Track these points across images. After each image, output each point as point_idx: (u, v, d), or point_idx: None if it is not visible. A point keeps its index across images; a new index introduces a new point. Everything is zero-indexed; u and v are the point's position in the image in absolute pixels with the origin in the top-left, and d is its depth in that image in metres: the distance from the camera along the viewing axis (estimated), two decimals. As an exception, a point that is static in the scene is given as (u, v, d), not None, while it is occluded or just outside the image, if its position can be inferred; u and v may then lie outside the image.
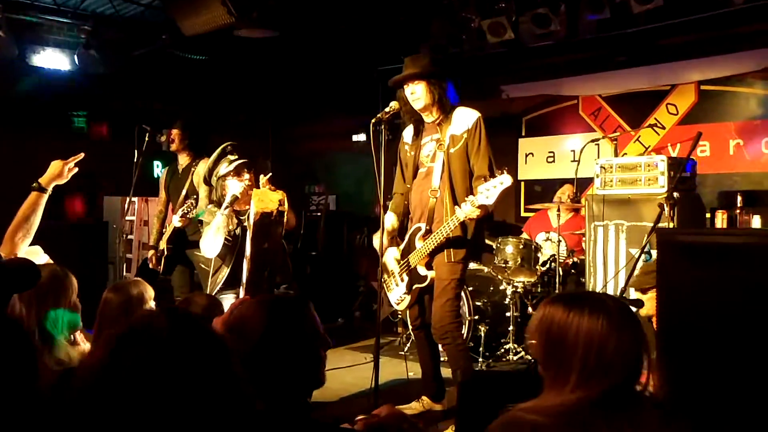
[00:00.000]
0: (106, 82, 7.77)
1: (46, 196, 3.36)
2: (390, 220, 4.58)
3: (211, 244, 4.24)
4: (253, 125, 9.43)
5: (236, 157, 4.39)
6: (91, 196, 8.09)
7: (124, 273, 8.09)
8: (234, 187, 4.26)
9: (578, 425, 1.67)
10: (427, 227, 4.31)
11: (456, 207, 4.09)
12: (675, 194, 4.78)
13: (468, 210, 3.95)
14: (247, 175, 4.37)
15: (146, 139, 5.88)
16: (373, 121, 4.15)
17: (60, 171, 3.42)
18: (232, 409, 1.13)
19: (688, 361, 2.65)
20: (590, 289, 5.51)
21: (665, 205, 3.98)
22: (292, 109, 9.49)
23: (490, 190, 3.81)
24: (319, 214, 8.75)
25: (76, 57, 7.32)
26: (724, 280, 2.57)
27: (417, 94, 4.27)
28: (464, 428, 2.95)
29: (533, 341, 1.88)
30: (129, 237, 8.22)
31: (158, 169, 8.58)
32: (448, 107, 4.35)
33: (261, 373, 1.83)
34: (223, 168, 4.36)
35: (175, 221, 5.00)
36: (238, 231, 4.31)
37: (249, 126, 9.28)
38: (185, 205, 5.00)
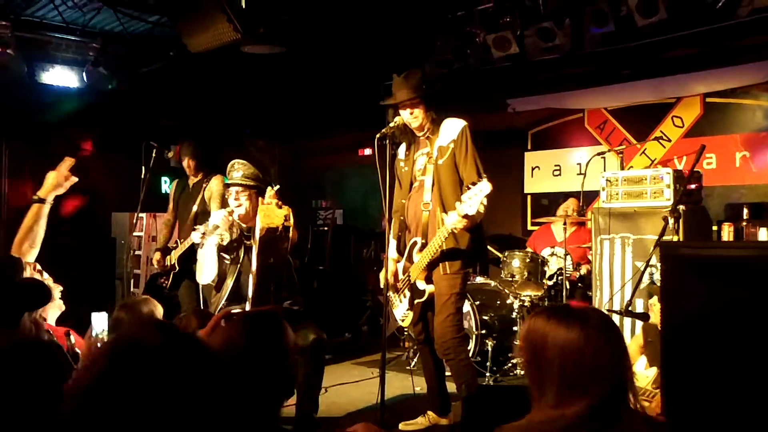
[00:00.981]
0: (115, 99, 7.83)
1: (46, 207, 3.45)
2: (393, 250, 4.60)
3: (203, 272, 4.27)
4: (261, 140, 9.47)
5: (236, 174, 4.44)
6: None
7: (132, 289, 8.12)
8: (215, 217, 4.28)
9: None
10: (423, 241, 4.33)
11: (442, 220, 4.12)
12: (680, 207, 4.79)
13: (454, 221, 3.96)
14: (235, 190, 4.40)
15: (153, 155, 5.92)
16: (377, 136, 4.18)
17: (57, 182, 3.48)
18: (229, 424, 1.13)
19: (691, 373, 2.65)
20: (596, 303, 5.50)
21: (669, 218, 3.98)
22: (299, 124, 9.53)
23: (472, 199, 3.83)
24: (326, 228, 8.76)
25: (84, 74, 7.38)
26: (727, 293, 2.57)
27: (415, 114, 4.34)
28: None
29: (521, 355, 1.90)
30: (137, 252, 8.25)
31: (166, 185, 8.64)
32: (437, 121, 4.40)
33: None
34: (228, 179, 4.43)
35: (196, 237, 5.04)
36: (235, 245, 4.32)
37: (256, 141, 9.33)
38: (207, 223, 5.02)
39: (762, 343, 2.48)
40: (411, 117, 4.33)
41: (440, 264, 4.25)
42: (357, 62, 7.89)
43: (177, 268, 5.66)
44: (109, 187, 8.26)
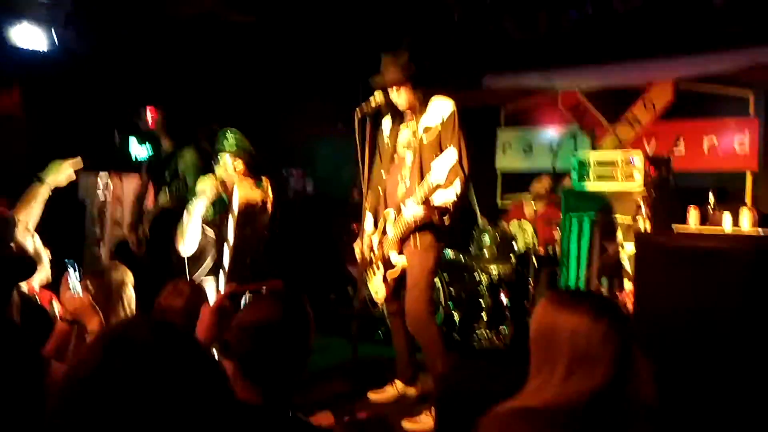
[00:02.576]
0: (86, 61, 7.66)
1: (44, 189, 3.66)
2: (369, 224, 4.62)
3: (185, 242, 4.25)
4: (234, 108, 9.37)
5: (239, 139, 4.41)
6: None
7: (94, 248, 8.05)
8: (204, 183, 4.26)
9: (565, 426, 1.73)
10: (396, 213, 4.35)
11: (402, 206, 4.16)
12: (650, 191, 4.92)
13: (413, 210, 4.04)
14: (239, 160, 4.38)
15: (128, 120, 5.83)
16: (358, 116, 4.19)
17: (60, 172, 3.73)
18: (222, 419, 1.14)
19: (659, 357, 2.75)
20: (563, 280, 5.63)
21: (642, 203, 4.07)
22: (272, 93, 9.44)
23: (436, 165, 3.87)
24: (296, 197, 8.75)
25: (54, 35, 7.19)
26: (697, 282, 2.67)
27: (401, 94, 4.33)
28: (444, 419, 3.03)
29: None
30: (101, 212, 8.16)
31: (135, 147, 8.52)
32: (422, 99, 4.39)
33: (266, 367, 1.93)
34: (225, 146, 4.40)
35: (161, 200, 4.99)
36: (217, 220, 4.31)
37: (229, 108, 9.23)
38: (173, 184, 4.97)
39: (727, 331, 2.58)
40: (398, 97, 4.33)
41: (411, 237, 4.29)
42: (332, 32, 7.83)
43: (148, 236, 5.62)
44: (78, 148, 8.11)
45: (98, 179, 8.14)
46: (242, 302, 2.39)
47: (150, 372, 1.08)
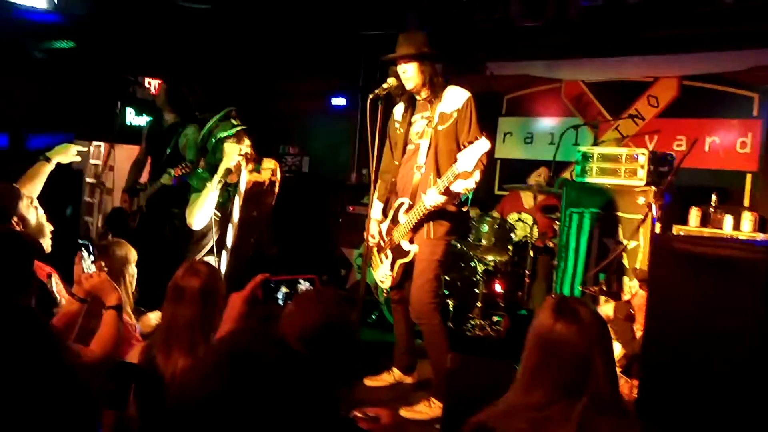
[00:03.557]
0: (85, 23, 7.52)
1: (48, 167, 3.85)
2: (377, 211, 4.58)
3: (199, 217, 4.18)
4: (231, 80, 9.25)
5: (239, 123, 4.31)
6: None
7: (85, 217, 7.98)
8: (229, 159, 4.17)
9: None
10: (411, 202, 4.31)
11: (422, 195, 4.12)
12: (653, 188, 4.92)
13: (433, 198, 3.99)
14: (247, 141, 4.29)
15: (130, 90, 5.77)
16: (370, 97, 4.13)
17: (68, 154, 3.93)
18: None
19: (670, 367, 2.75)
20: (560, 273, 5.62)
21: (653, 204, 4.06)
22: (271, 68, 9.33)
23: (466, 155, 3.81)
24: (291, 175, 8.68)
25: (54, -6, 7.04)
26: (713, 290, 2.66)
27: (408, 73, 4.25)
28: (452, 416, 3.02)
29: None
30: (89, 180, 8.08)
31: (131, 116, 8.41)
32: (439, 87, 4.32)
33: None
34: (225, 131, 4.28)
35: (165, 179, 4.90)
36: (227, 203, 4.25)
37: (226, 81, 9.11)
38: (181, 166, 4.90)
39: (742, 344, 2.57)
40: (406, 76, 4.26)
41: (425, 226, 4.25)
42: (336, 9, 7.73)
43: (144, 211, 5.56)
44: (72, 114, 7.98)
45: (91, 148, 8.05)
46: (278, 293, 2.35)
47: (274, 391, 1.10)
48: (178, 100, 5.71)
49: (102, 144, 7.74)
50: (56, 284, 3.24)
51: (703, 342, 2.69)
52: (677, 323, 2.76)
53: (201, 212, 4.16)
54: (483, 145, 3.77)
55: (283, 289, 2.55)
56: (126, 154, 7.17)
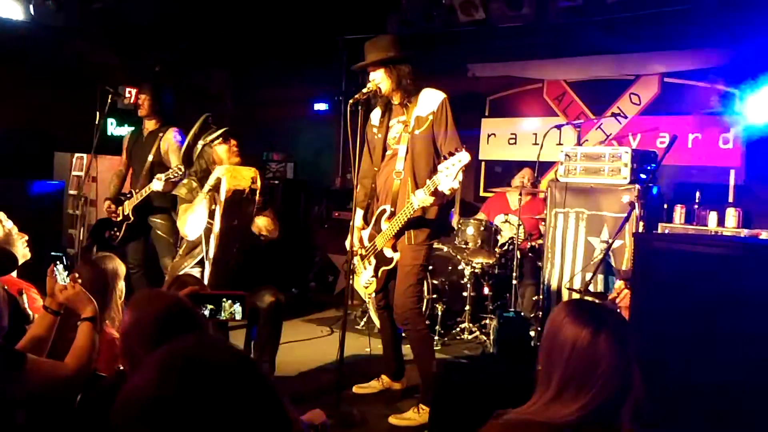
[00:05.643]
0: (62, 35, 7.47)
1: None
2: (359, 219, 4.57)
3: (193, 226, 4.12)
4: (212, 88, 9.22)
5: (216, 127, 4.28)
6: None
7: (69, 230, 7.91)
8: (219, 169, 4.12)
9: None
10: (392, 209, 4.28)
11: (410, 195, 4.10)
12: (636, 186, 4.92)
13: (421, 198, 3.95)
14: (233, 141, 4.26)
15: (108, 100, 5.73)
16: (350, 101, 4.09)
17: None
18: None
19: (655, 366, 2.73)
20: (547, 274, 5.62)
21: (636, 203, 4.05)
22: (253, 74, 9.30)
23: (449, 169, 3.76)
24: (276, 182, 8.64)
25: (31, 7, 7.00)
26: (696, 288, 2.65)
27: (377, 79, 4.23)
28: (440, 419, 2.99)
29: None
30: (71, 192, 8.02)
31: (112, 127, 8.36)
32: (411, 89, 4.28)
33: None
34: (210, 135, 4.25)
35: (156, 186, 4.83)
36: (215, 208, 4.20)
37: (208, 88, 9.08)
38: (170, 171, 4.83)
39: (726, 340, 2.56)
40: (375, 82, 4.23)
41: (406, 233, 4.23)
42: (317, 13, 7.71)
43: (132, 219, 5.52)
44: (51, 126, 7.92)
45: (73, 159, 7.99)
46: None
47: (227, 397, 1.08)
48: (162, 106, 5.68)
49: (84, 155, 7.67)
50: (27, 300, 3.19)
51: (687, 340, 2.68)
52: (660, 321, 2.74)
53: (194, 221, 4.11)
54: (463, 158, 3.74)
55: (209, 307, 2.55)
56: (108, 165, 7.13)
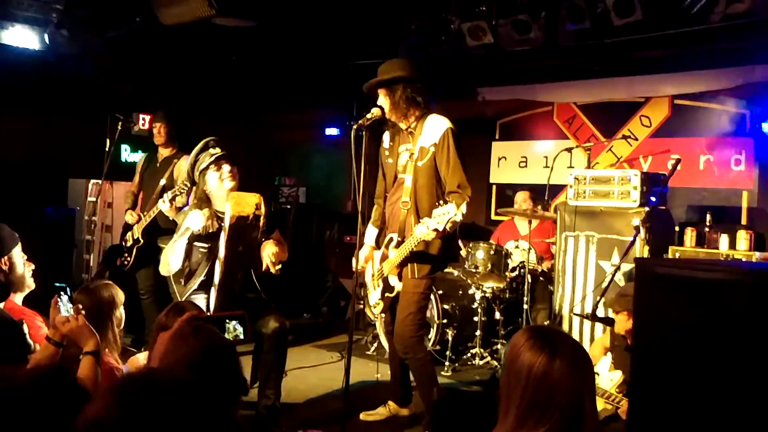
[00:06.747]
0: (77, 63, 7.58)
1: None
2: (370, 236, 4.58)
3: (168, 263, 4.14)
4: (225, 113, 9.30)
5: (218, 150, 4.27)
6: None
7: (84, 255, 7.96)
8: (195, 221, 4.11)
9: None
10: (399, 239, 4.28)
11: (414, 226, 4.08)
12: (645, 209, 4.87)
13: (423, 232, 3.93)
14: (227, 167, 4.25)
15: (119, 127, 5.81)
16: (354, 126, 4.09)
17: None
18: None
19: (659, 393, 2.69)
20: (558, 299, 5.57)
21: (641, 227, 4.01)
22: (265, 99, 9.38)
23: (440, 216, 3.77)
24: (288, 206, 8.67)
25: (46, 36, 7.11)
26: (700, 315, 2.60)
27: (379, 101, 4.25)
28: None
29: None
30: (92, 218, 8.08)
31: (126, 153, 8.45)
32: (412, 113, 4.27)
33: None
34: (204, 163, 4.25)
35: (163, 206, 4.89)
36: (212, 235, 4.19)
37: (221, 114, 9.15)
38: (176, 188, 4.84)
39: (730, 368, 2.51)
40: (381, 103, 4.24)
41: (409, 266, 4.23)
42: (328, 39, 7.77)
43: (141, 242, 5.56)
44: (66, 153, 8.02)
45: (89, 186, 8.07)
46: None
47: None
48: (179, 134, 5.76)
49: (99, 181, 7.75)
50: (28, 330, 3.19)
51: (690, 367, 2.63)
52: (663, 348, 2.70)
53: (171, 258, 4.12)
54: (451, 211, 3.71)
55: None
56: (123, 191, 7.19)
